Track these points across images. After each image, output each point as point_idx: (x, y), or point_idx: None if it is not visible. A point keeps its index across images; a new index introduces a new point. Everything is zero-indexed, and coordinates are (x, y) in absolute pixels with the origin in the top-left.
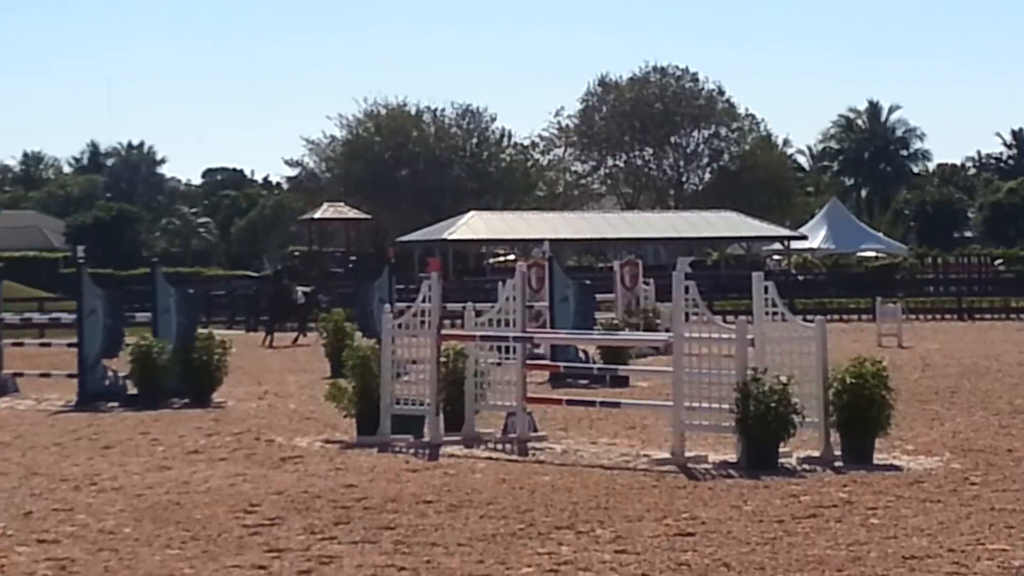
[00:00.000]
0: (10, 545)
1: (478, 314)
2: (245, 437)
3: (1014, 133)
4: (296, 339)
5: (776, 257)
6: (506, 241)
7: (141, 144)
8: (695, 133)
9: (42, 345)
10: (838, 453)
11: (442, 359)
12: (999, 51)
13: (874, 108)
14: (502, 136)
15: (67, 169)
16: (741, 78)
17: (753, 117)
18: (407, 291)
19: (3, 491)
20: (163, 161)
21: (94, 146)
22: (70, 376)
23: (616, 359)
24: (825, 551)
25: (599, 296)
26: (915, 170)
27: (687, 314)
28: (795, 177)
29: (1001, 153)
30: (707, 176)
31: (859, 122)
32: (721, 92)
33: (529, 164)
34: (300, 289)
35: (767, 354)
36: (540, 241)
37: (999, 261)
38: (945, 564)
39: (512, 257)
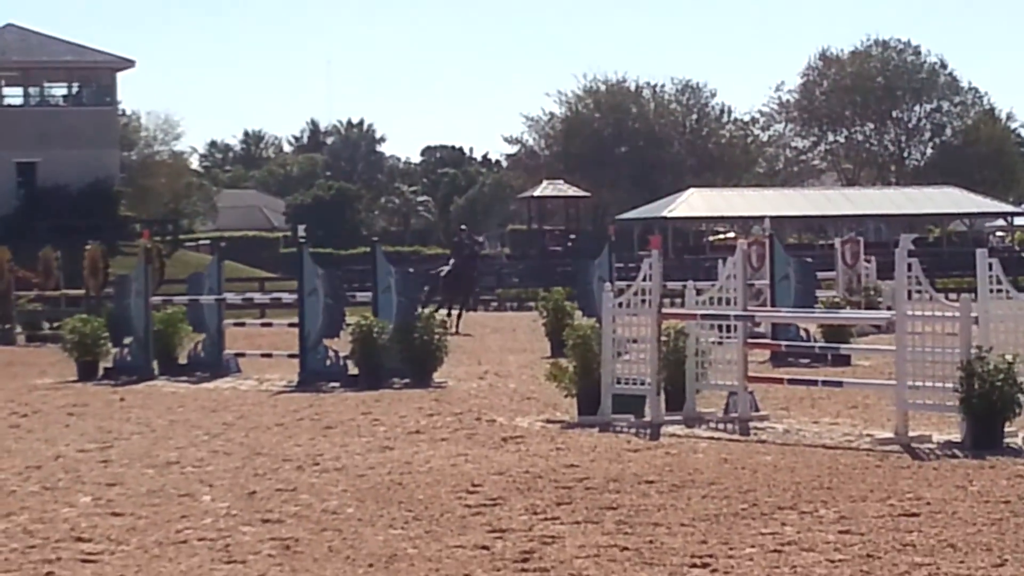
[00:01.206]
0: (235, 524)
1: (698, 292)
2: (466, 417)
3: None
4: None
5: (999, 233)
6: (726, 218)
7: (361, 123)
8: (917, 107)
9: (263, 325)
10: None
11: (663, 338)
12: None
13: None
14: (722, 112)
15: (287, 148)
16: (964, 51)
17: (976, 91)
18: (627, 269)
19: (227, 471)
20: (382, 139)
21: (314, 125)
22: (291, 356)
23: (838, 338)
24: None
25: (820, 274)
26: None
27: (910, 292)
28: (1019, 152)
29: None
30: (929, 151)
31: None
32: (943, 65)
33: (749, 140)
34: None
35: (992, 332)
36: (760, 218)
37: None
38: None
39: (732, 235)
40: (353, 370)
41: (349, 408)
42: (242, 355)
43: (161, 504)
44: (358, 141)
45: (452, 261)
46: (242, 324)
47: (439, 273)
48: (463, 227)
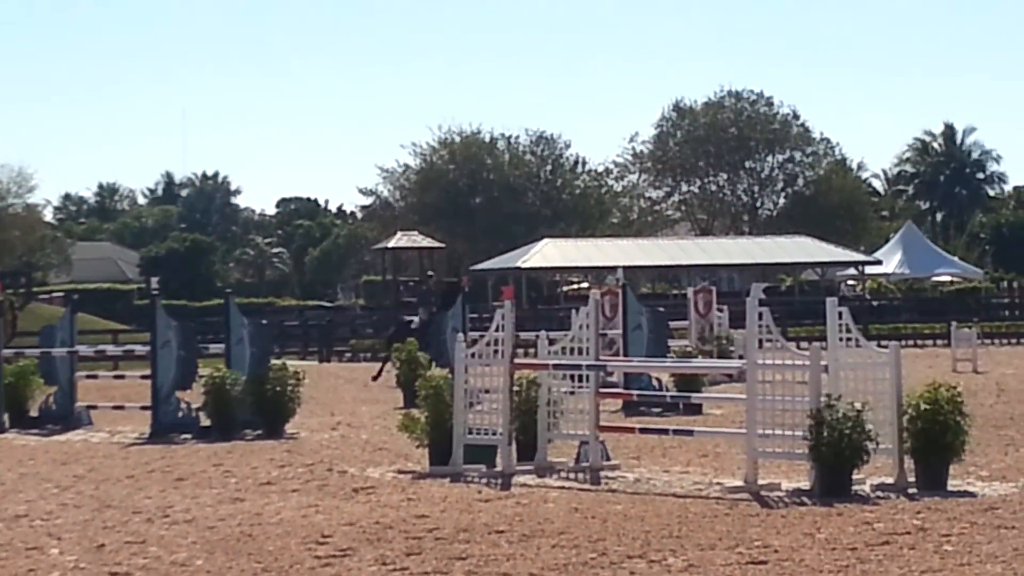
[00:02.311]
0: None
1: (551, 342)
2: (318, 468)
3: None
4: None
5: (851, 282)
6: (580, 268)
7: (216, 174)
8: (769, 158)
9: (116, 377)
10: (912, 480)
11: (515, 388)
12: None
13: (949, 131)
14: (576, 163)
15: (142, 200)
16: (816, 102)
17: (828, 141)
18: (481, 320)
19: (76, 524)
20: (237, 191)
21: (169, 177)
22: (143, 408)
23: (689, 387)
24: None
25: (673, 323)
26: (991, 193)
27: (760, 341)
28: (870, 201)
29: None
30: (781, 201)
31: (934, 145)
32: (796, 116)
33: (603, 191)
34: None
35: (841, 380)
36: (614, 268)
37: None
38: None
39: (586, 285)
40: (205, 422)
41: (201, 460)
42: (94, 407)
43: (8, 558)
44: (213, 193)
45: (422, 311)
46: (95, 376)
47: (410, 323)
48: (430, 273)
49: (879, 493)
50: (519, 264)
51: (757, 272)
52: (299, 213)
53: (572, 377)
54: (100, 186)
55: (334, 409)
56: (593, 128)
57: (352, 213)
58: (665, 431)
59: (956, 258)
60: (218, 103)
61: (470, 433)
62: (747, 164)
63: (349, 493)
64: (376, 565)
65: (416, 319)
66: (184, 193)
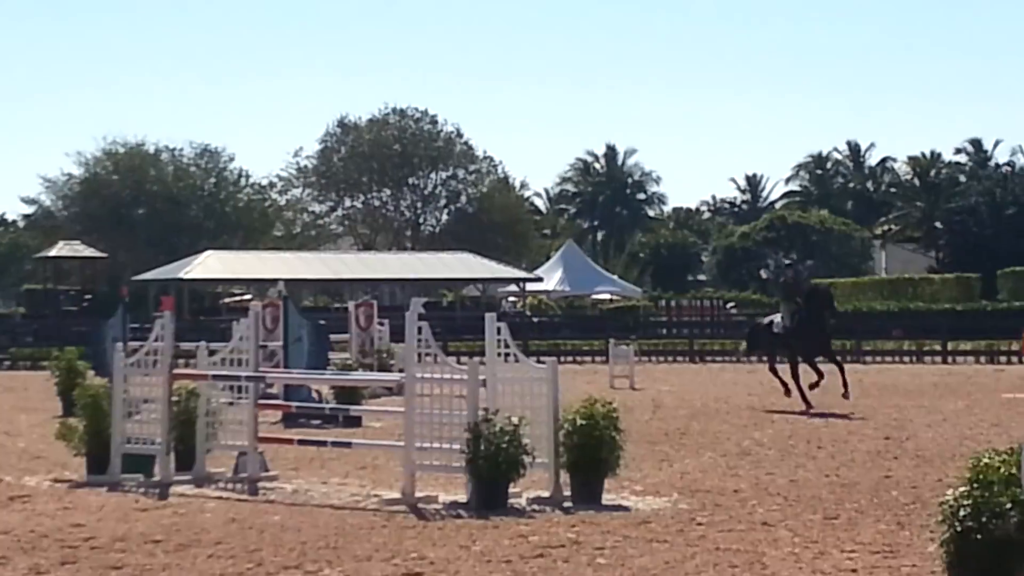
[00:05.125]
0: None
1: (211, 353)
2: None
3: (748, 178)
4: None
5: (512, 299)
6: (242, 281)
7: None
8: (433, 175)
9: None
10: (568, 493)
11: (174, 398)
12: (732, 98)
13: (611, 152)
14: (240, 176)
15: None
16: (480, 121)
17: (491, 160)
18: (142, 330)
19: None
20: None
21: None
22: None
23: (349, 399)
24: None
25: (334, 336)
26: (651, 214)
27: (420, 355)
28: (532, 219)
29: (735, 198)
30: (444, 218)
31: (596, 165)
32: (460, 134)
33: (267, 204)
34: None
35: (499, 395)
36: (276, 281)
37: (730, 304)
38: None
39: (248, 296)
40: None
41: None
42: None
43: None
44: None
45: (784, 308)
46: None
47: (769, 325)
48: (788, 260)
49: (535, 506)
50: (181, 275)
51: (419, 287)
52: None
53: (232, 388)
54: None
55: None
56: (257, 142)
57: (14, 222)
58: (324, 443)
59: (616, 276)
60: None
61: (128, 442)
62: (411, 180)
63: (4, 501)
64: (30, 574)
65: (777, 319)
66: None
